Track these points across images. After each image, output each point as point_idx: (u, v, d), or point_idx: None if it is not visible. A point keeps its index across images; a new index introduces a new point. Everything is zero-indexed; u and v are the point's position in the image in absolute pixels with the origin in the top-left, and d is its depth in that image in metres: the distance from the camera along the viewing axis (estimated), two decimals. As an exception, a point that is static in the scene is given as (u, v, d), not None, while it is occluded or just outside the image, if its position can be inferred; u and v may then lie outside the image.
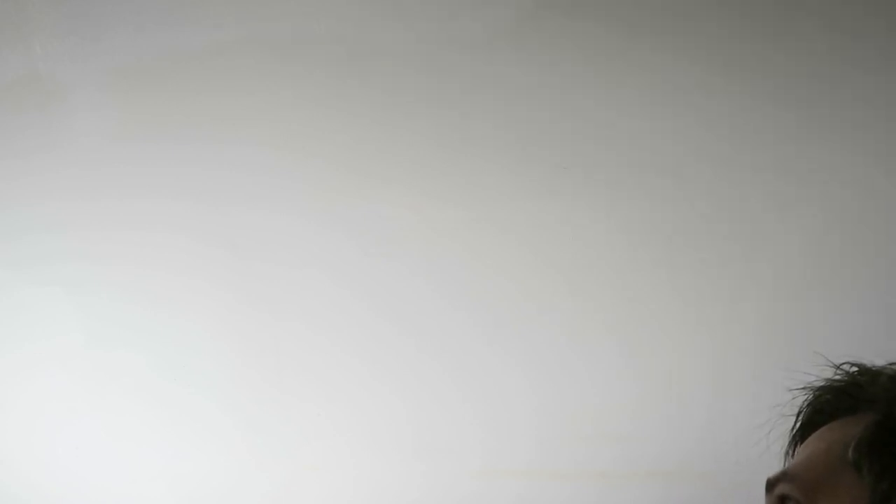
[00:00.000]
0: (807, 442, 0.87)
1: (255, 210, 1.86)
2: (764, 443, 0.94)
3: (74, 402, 2.17)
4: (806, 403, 0.89)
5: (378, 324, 2.00)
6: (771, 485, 0.84)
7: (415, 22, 1.61)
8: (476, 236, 1.87)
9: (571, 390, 2.08)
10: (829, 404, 0.87)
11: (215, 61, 1.66)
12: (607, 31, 1.61)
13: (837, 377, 0.87)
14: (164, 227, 1.89)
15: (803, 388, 0.89)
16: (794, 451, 0.89)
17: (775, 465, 0.89)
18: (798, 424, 0.89)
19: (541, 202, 1.82)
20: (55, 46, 1.64)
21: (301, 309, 1.99)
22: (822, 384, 0.88)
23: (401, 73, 1.66)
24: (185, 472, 2.29)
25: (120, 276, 1.96)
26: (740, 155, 1.75)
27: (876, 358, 0.88)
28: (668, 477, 2.19)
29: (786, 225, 1.84)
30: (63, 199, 1.86)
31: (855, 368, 0.87)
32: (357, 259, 1.91)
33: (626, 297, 1.94)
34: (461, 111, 1.70)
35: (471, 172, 1.78)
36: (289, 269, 1.93)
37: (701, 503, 2.19)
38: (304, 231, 1.87)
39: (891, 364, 0.86)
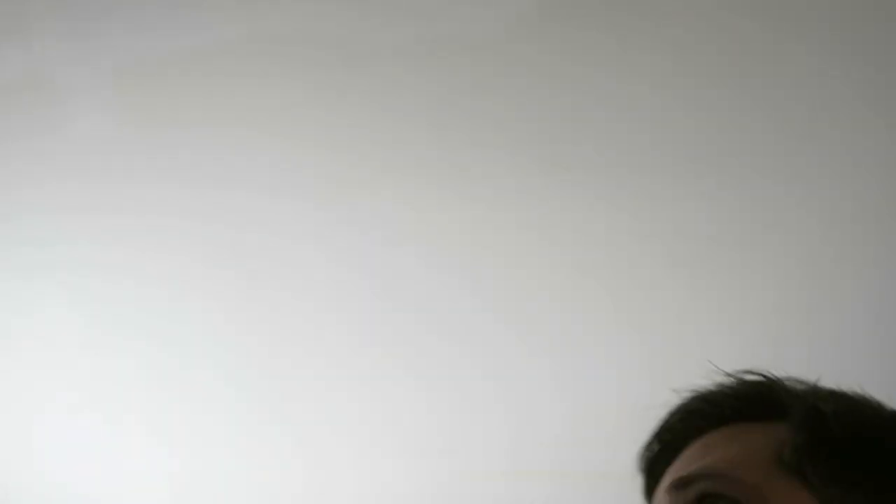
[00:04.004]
0: (697, 443, 0.81)
1: (256, 210, 1.86)
2: (627, 446, 0.87)
3: (70, 394, 2.17)
4: (685, 404, 0.84)
5: (388, 321, 2.00)
6: (684, 482, 0.78)
7: (415, 22, 1.61)
8: (481, 236, 1.87)
9: (589, 392, 2.08)
10: (724, 409, 0.82)
11: (216, 60, 1.66)
12: (607, 31, 1.61)
13: (729, 383, 0.83)
14: (164, 227, 1.89)
15: (689, 391, 0.84)
16: (660, 451, 0.83)
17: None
18: (670, 424, 0.84)
19: (538, 202, 1.82)
20: (55, 46, 1.64)
21: (307, 306, 1.99)
22: (710, 389, 0.83)
23: (401, 73, 1.66)
24: (185, 471, 2.28)
25: (119, 265, 1.96)
26: (741, 154, 1.75)
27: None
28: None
29: (788, 225, 1.84)
30: (63, 202, 1.86)
31: (754, 377, 0.83)
32: (363, 255, 1.91)
33: (641, 296, 1.94)
34: (461, 110, 1.70)
35: (471, 170, 1.78)
36: (293, 267, 1.93)
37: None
38: (307, 227, 1.88)
39: (791, 377, 0.83)
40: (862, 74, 1.64)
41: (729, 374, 0.83)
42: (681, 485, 0.79)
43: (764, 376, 0.83)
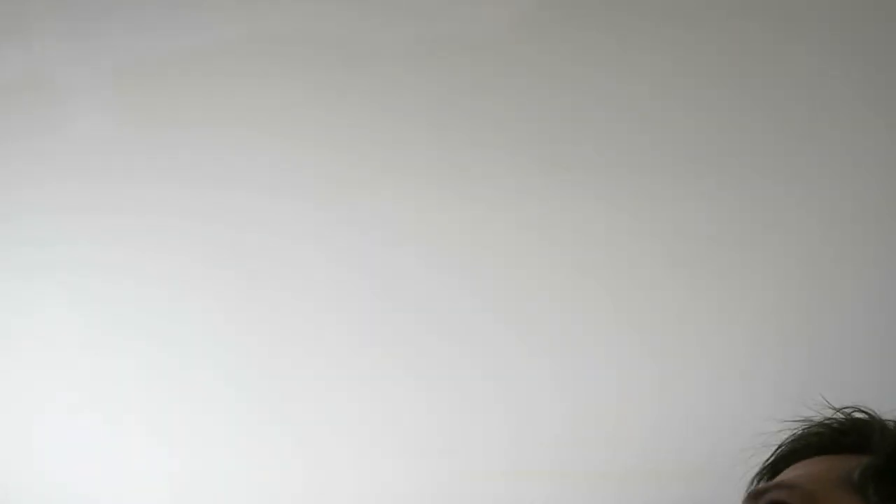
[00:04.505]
0: (795, 465, 0.89)
1: (256, 210, 1.86)
2: (741, 468, 0.95)
3: (70, 395, 2.17)
4: (795, 437, 0.92)
5: (388, 321, 2.00)
6: (759, 493, 0.86)
7: (415, 22, 1.61)
8: (481, 236, 1.87)
9: (589, 392, 2.08)
10: (823, 440, 0.90)
11: (216, 60, 1.66)
12: (607, 31, 1.61)
13: (837, 419, 0.91)
14: (164, 227, 1.89)
15: (797, 422, 0.92)
16: (769, 477, 0.92)
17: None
18: (778, 455, 0.92)
19: (538, 202, 1.82)
20: (55, 46, 1.64)
21: (307, 306, 1.99)
22: (819, 421, 0.92)
23: (401, 73, 1.66)
24: (185, 471, 2.28)
25: (119, 265, 1.96)
26: (741, 154, 1.75)
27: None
28: (688, 477, 2.19)
29: (788, 225, 1.84)
30: (63, 202, 1.86)
31: (860, 414, 0.90)
32: (363, 255, 1.91)
33: (641, 296, 1.94)
34: (461, 110, 1.70)
35: (471, 170, 1.78)
36: (293, 267, 1.93)
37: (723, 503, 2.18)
38: (307, 227, 1.88)
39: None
40: (862, 74, 1.64)
41: (837, 410, 0.91)
42: (756, 495, 0.86)
43: (867, 414, 0.90)
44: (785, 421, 0.92)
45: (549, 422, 2.14)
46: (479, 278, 1.93)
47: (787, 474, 0.88)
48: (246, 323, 2.02)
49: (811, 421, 0.92)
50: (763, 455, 0.92)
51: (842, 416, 0.91)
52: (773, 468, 0.92)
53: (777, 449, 0.93)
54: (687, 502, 2.23)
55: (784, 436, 0.92)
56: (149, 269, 1.94)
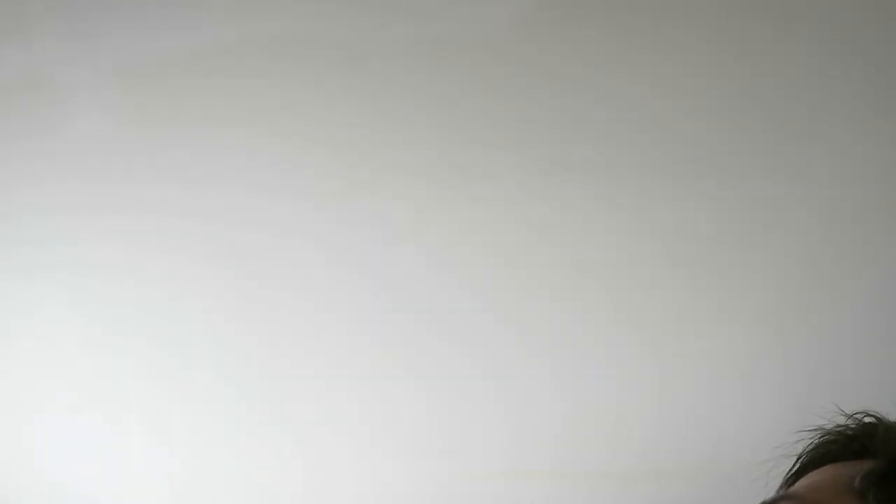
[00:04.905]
0: (808, 475, 0.91)
1: (256, 210, 1.86)
2: (763, 480, 0.97)
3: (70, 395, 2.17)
4: (812, 447, 0.93)
5: (388, 321, 2.00)
6: None
7: (415, 22, 1.61)
8: (481, 236, 1.87)
9: (589, 392, 2.08)
10: (837, 448, 0.91)
11: (216, 60, 1.66)
12: (607, 31, 1.61)
13: (849, 425, 0.92)
14: (164, 227, 1.89)
15: (812, 431, 0.94)
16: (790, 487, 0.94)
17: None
18: (799, 466, 0.93)
19: (538, 202, 1.82)
20: (55, 46, 1.64)
21: (307, 306, 1.99)
22: (831, 429, 0.93)
23: (401, 73, 1.66)
24: (185, 471, 2.28)
25: (119, 265, 1.96)
26: (741, 154, 1.75)
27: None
28: (688, 477, 2.18)
29: (788, 225, 1.84)
30: (63, 202, 1.86)
31: (869, 419, 0.92)
32: (363, 255, 1.91)
33: (641, 296, 1.94)
34: (461, 110, 1.70)
35: (471, 170, 1.78)
36: (293, 267, 1.93)
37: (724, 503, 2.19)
38: (307, 227, 1.88)
39: None
40: (862, 74, 1.64)
41: (849, 416, 0.92)
42: None
43: (875, 418, 0.92)
44: (800, 431, 0.93)
45: (549, 422, 2.14)
46: (479, 278, 1.93)
47: (797, 485, 0.90)
48: (246, 323, 2.02)
49: (824, 429, 0.93)
50: (781, 466, 0.94)
51: (853, 422, 0.92)
52: (794, 479, 0.93)
53: (797, 460, 0.95)
54: (687, 502, 2.23)
55: (801, 446, 0.94)
56: (149, 269, 1.94)
